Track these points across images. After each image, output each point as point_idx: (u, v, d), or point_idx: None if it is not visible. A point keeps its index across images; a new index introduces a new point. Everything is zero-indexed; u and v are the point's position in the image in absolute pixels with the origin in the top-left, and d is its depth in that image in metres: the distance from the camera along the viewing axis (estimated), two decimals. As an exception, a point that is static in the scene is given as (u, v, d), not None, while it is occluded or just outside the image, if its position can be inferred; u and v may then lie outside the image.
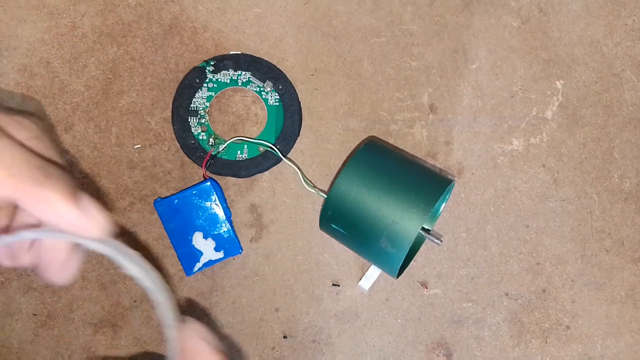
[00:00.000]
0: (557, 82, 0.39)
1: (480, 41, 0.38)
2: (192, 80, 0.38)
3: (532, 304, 0.38)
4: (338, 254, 0.38)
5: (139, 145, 0.38)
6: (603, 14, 0.39)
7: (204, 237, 0.37)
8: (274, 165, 0.38)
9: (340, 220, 0.34)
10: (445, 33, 0.38)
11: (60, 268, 0.24)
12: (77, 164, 0.38)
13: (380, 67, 0.38)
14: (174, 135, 0.38)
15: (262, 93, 0.39)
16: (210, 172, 0.38)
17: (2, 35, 0.38)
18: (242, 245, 0.38)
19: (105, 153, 0.38)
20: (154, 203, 0.37)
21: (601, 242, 0.38)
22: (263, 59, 0.38)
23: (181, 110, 0.38)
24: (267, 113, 0.38)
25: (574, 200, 0.38)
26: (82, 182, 0.38)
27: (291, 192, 0.38)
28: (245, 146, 0.38)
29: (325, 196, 0.36)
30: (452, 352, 0.38)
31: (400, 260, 0.32)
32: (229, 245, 0.38)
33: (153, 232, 0.38)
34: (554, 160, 0.38)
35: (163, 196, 0.38)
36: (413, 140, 0.38)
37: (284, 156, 0.38)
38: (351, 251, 0.38)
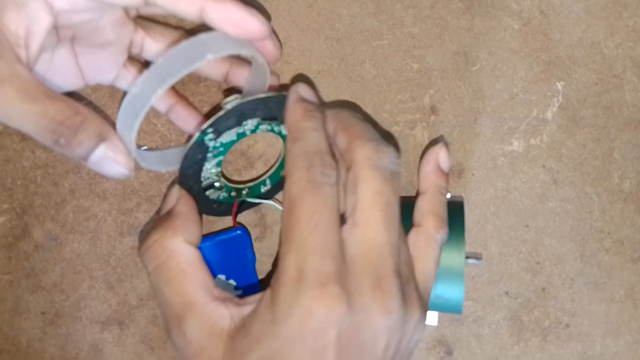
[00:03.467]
0: (557, 83, 0.39)
1: (481, 43, 0.39)
2: (194, 159, 0.32)
3: (531, 303, 0.39)
4: (340, 253, 0.39)
5: (146, 147, 0.39)
6: (604, 15, 0.39)
7: (226, 279, 0.37)
8: None
9: None
10: (447, 35, 0.39)
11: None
12: (84, 165, 0.38)
13: (382, 69, 0.39)
14: (179, 137, 0.38)
15: (275, 128, 0.33)
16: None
17: (10, 38, 0.39)
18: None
19: (111, 154, 0.38)
20: None
21: (601, 241, 0.39)
22: (269, 96, 0.31)
23: (193, 191, 0.33)
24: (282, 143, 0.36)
25: (573, 201, 0.39)
26: (89, 182, 0.39)
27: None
28: (268, 180, 0.36)
29: None
30: (452, 350, 0.39)
31: (461, 298, 0.33)
32: (250, 287, 0.38)
33: (159, 232, 0.39)
34: (554, 161, 0.39)
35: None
36: (414, 141, 0.39)
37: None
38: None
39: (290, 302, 0.26)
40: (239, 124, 0.31)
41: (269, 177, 0.36)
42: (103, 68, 0.33)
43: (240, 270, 0.37)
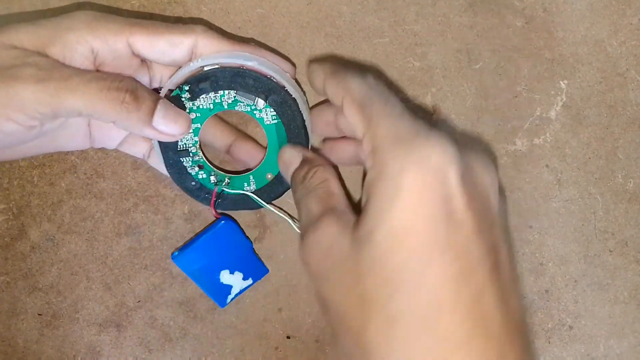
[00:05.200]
0: (561, 82, 0.39)
1: (484, 41, 0.38)
2: None
3: (535, 305, 0.38)
4: (341, 254, 0.39)
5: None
6: (608, 13, 0.39)
7: (230, 273, 0.37)
8: (286, 191, 0.36)
9: None
10: (449, 33, 0.38)
11: None
12: (81, 165, 0.38)
13: (384, 67, 0.38)
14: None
15: (255, 112, 0.33)
16: (221, 210, 0.36)
17: (6, 36, 0.38)
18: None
19: (109, 154, 0.38)
20: (172, 258, 0.37)
21: (605, 242, 0.38)
22: (246, 70, 0.32)
23: (170, 152, 0.34)
24: (265, 135, 0.35)
25: (577, 201, 0.38)
26: (86, 182, 0.38)
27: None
28: (251, 177, 0.35)
29: None
30: (455, 352, 0.39)
31: None
32: (256, 271, 0.38)
33: (157, 232, 0.38)
34: (558, 160, 0.38)
35: (169, 198, 0.38)
36: (416, 140, 0.38)
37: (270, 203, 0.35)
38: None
39: (400, 159, 0.25)
40: (214, 90, 0.33)
41: (253, 174, 0.35)
42: (112, 136, 0.35)
43: (241, 259, 0.37)
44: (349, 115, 0.29)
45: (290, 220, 0.36)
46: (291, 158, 0.33)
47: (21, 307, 0.38)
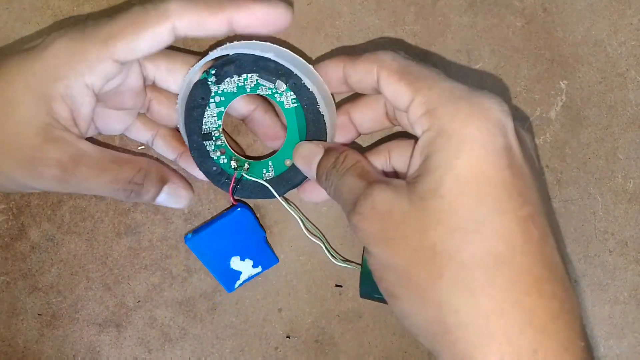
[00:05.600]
0: (561, 82, 0.39)
1: (484, 41, 0.38)
2: (197, 98, 0.34)
3: (534, 305, 0.38)
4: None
5: (143, 147, 0.38)
6: (608, 13, 0.39)
7: (241, 260, 0.37)
8: (303, 181, 0.35)
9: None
10: (449, 33, 0.38)
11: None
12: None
13: (383, 67, 0.38)
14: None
15: (276, 96, 0.34)
16: (238, 196, 0.36)
17: (6, 36, 0.38)
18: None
19: (109, 154, 0.38)
20: (185, 240, 0.37)
21: (604, 242, 0.38)
22: (266, 56, 0.32)
23: (194, 136, 0.35)
24: (285, 119, 0.34)
25: (577, 201, 0.38)
26: (86, 182, 0.38)
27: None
28: (270, 163, 0.35)
29: (358, 267, 0.36)
30: (454, 353, 0.39)
31: None
32: (266, 259, 0.38)
33: (157, 232, 0.38)
34: (558, 160, 0.38)
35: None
36: (416, 141, 0.38)
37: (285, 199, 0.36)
38: (353, 252, 0.38)
39: (462, 114, 0.26)
40: (237, 74, 0.33)
41: (272, 160, 0.35)
42: (113, 127, 0.36)
43: (252, 247, 0.37)
44: (389, 86, 0.29)
45: (300, 222, 0.36)
46: (311, 151, 0.33)
47: (21, 307, 0.38)
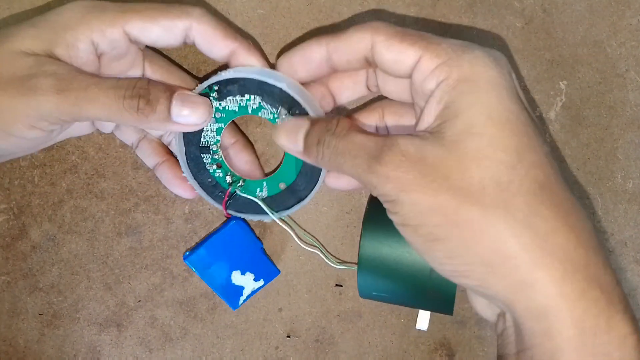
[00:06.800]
0: (560, 82, 0.39)
1: (484, 42, 0.38)
2: None
3: (534, 305, 0.38)
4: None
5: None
6: (607, 14, 0.39)
7: (242, 274, 0.37)
8: (299, 203, 0.35)
9: (379, 287, 0.34)
10: (449, 34, 0.38)
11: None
12: (82, 165, 0.38)
13: (384, 68, 0.38)
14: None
15: (277, 121, 0.33)
16: (231, 211, 0.36)
17: (7, 37, 0.38)
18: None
19: (110, 154, 0.38)
20: (184, 259, 0.37)
21: (604, 242, 0.38)
22: (273, 84, 0.32)
23: (192, 147, 0.34)
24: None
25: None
26: (87, 182, 0.38)
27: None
28: (265, 183, 0.35)
29: (355, 268, 0.36)
30: (454, 352, 0.39)
31: (452, 298, 0.33)
32: (267, 271, 0.38)
33: (157, 232, 0.38)
34: (557, 161, 0.38)
35: (170, 198, 0.38)
36: (416, 141, 0.38)
37: (277, 213, 0.35)
38: (353, 252, 0.38)
39: (479, 61, 0.28)
40: (240, 94, 0.33)
41: (267, 181, 0.35)
42: (104, 124, 0.36)
43: (251, 260, 0.37)
44: (388, 49, 0.29)
45: (294, 235, 0.36)
46: (296, 124, 0.31)
47: (22, 306, 0.38)
